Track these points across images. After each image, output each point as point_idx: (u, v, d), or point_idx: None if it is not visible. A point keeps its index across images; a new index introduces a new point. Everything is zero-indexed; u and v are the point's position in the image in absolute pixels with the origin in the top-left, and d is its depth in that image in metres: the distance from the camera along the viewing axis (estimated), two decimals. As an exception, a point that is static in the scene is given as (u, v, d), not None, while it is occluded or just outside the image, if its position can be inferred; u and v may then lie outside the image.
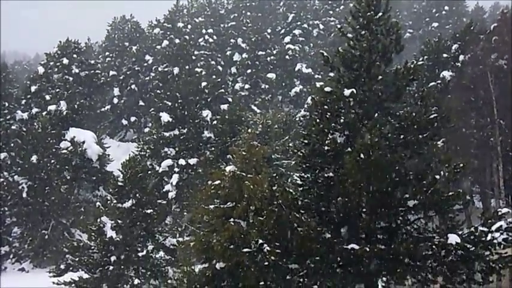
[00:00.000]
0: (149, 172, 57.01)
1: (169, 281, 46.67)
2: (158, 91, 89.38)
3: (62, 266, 50.86)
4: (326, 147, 24.91)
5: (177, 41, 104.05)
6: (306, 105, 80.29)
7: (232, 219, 32.66)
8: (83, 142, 73.26)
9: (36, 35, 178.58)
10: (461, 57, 53.02)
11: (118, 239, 49.21)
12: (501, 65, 47.05)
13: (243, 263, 30.22)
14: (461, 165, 23.95)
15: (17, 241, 67.64)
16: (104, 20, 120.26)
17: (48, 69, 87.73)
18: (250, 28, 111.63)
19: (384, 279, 24.77)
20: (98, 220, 50.46)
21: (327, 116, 25.41)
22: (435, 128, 24.98)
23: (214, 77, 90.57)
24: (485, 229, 22.64)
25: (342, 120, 25.33)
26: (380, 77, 25.03)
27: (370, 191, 22.90)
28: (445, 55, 56.70)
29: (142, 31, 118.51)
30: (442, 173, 23.27)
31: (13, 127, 75.81)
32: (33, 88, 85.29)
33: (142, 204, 50.81)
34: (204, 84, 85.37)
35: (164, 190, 66.91)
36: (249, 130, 57.62)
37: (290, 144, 52.85)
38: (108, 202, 52.50)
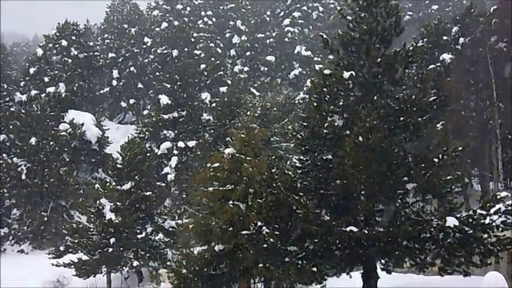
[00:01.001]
0: (148, 154, 56.97)
1: (168, 263, 46.82)
2: (157, 73, 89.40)
3: (61, 248, 50.96)
4: (325, 130, 24.92)
5: (176, 23, 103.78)
6: (305, 88, 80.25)
7: (231, 202, 32.70)
8: (82, 124, 73.30)
9: (35, 17, 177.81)
10: (461, 40, 52.88)
11: (117, 221, 49.31)
12: (501, 48, 46.93)
13: (242, 245, 30.29)
14: (460, 148, 23.95)
15: (16, 223, 67.79)
16: (103, 2, 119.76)
17: (47, 51, 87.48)
18: (250, 10, 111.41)
19: (383, 261, 24.85)
20: (97, 202, 50.56)
21: (326, 98, 25.40)
22: (434, 110, 24.98)
23: (213, 59, 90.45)
24: (484, 212, 22.67)
25: (341, 103, 25.32)
26: (379, 60, 24.98)
27: (368, 174, 22.90)
28: (444, 38, 56.53)
29: (141, 13, 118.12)
30: (440, 155, 23.26)
31: (12, 109, 75.68)
32: (31, 70, 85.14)
33: (141, 186, 50.89)
34: (203, 66, 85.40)
35: (163, 172, 67.01)
36: (248, 113, 57.69)
37: (289, 127, 52.82)
38: (107, 184, 52.57)
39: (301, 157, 26.39)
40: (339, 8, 31.24)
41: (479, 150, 46.70)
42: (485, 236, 22.77)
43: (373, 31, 25.43)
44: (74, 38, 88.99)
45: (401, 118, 24.59)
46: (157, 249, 50.82)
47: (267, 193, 24.84)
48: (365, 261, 24.43)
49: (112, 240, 49.01)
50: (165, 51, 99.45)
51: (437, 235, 22.79)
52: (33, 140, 67.52)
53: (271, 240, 23.56)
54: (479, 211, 22.75)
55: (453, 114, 40.92)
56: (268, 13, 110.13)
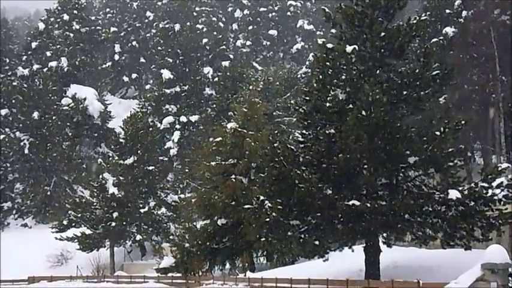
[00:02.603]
0: (150, 129, 57.04)
1: (171, 237, 47.10)
2: (159, 48, 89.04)
3: (65, 222, 51.25)
4: (327, 104, 24.86)
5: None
6: (307, 62, 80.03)
7: (233, 176, 32.84)
8: (85, 99, 73.29)
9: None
10: (464, 13, 52.53)
11: (120, 195, 49.55)
12: (504, 21, 46.67)
13: (244, 219, 30.44)
14: (463, 121, 23.91)
15: (19, 197, 68.09)
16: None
17: (49, 26, 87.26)
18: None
19: (384, 235, 24.92)
20: (100, 177, 50.77)
21: (329, 72, 25.32)
22: (437, 84, 24.91)
23: (215, 33, 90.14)
24: (486, 184, 22.67)
25: (343, 77, 25.24)
26: (382, 34, 24.86)
27: (371, 148, 22.89)
28: (447, 11, 56.23)
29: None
30: (443, 129, 23.23)
31: (14, 83, 75.65)
32: (33, 44, 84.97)
33: (144, 161, 51.06)
34: (205, 41, 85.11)
35: (166, 147, 67.11)
36: (251, 87, 57.60)
37: (291, 101, 52.55)
38: (110, 159, 52.79)
39: (304, 131, 26.34)
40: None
41: (482, 123, 46.63)
42: (487, 209, 22.80)
43: (376, 5, 25.29)
44: (75, 12, 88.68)
45: (404, 92, 24.53)
46: (160, 224, 51.12)
47: (269, 167, 24.82)
48: (367, 235, 24.48)
49: (115, 214, 49.28)
50: (167, 26, 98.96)
51: (439, 208, 22.81)
52: (35, 115, 67.57)
53: (274, 214, 23.59)
54: (481, 184, 22.76)
55: (456, 88, 40.78)
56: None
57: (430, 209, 22.85)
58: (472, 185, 23.09)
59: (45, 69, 78.71)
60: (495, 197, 22.59)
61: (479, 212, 22.65)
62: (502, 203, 22.77)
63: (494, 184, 22.58)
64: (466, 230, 22.78)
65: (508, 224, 23.67)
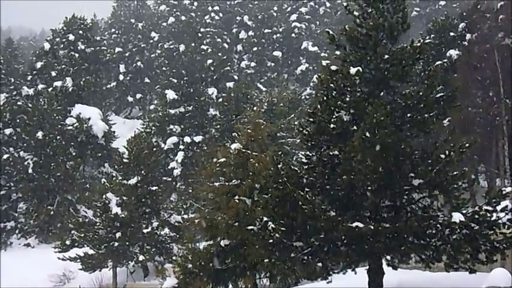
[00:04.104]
0: (154, 149, 57.10)
1: (173, 258, 46.95)
2: (164, 68, 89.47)
3: (68, 242, 51.15)
4: (332, 126, 24.85)
5: (183, 18, 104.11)
6: (311, 84, 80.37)
7: (237, 197, 32.76)
8: (89, 119, 73.40)
9: (42, 11, 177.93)
10: (468, 36, 52.70)
11: (123, 215, 49.49)
12: (507, 44, 46.83)
13: (247, 241, 30.36)
14: (467, 144, 23.88)
15: (22, 217, 68.05)
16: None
17: (54, 46, 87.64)
18: (257, 6, 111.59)
19: (388, 257, 24.83)
20: (103, 196, 50.73)
21: (333, 94, 25.33)
22: (441, 107, 24.90)
23: (220, 54, 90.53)
24: (490, 208, 22.61)
25: (347, 99, 25.24)
26: (386, 56, 24.90)
27: (375, 170, 22.85)
28: (451, 34, 56.42)
29: (149, 8, 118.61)
30: (447, 152, 23.21)
31: (19, 103, 75.90)
32: (39, 64, 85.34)
33: (147, 181, 51.04)
34: (209, 61, 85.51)
35: (169, 167, 67.15)
36: (255, 108, 57.66)
37: (295, 123, 52.83)
38: (114, 179, 52.77)
39: (308, 153, 26.31)
40: (345, 3, 31.18)
41: (486, 146, 46.60)
42: (492, 233, 22.73)
43: (380, 27, 25.35)
44: (81, 32, 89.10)
45: (408, 114, 24.53)
46: (163, 244, 50.99)
47: (272, 188, 24.78)
48: (370, 257, 24.41)
49: (118, 234, 49.18)
50: (172, 46, 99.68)
51: (443, 231, 22.74)
52: (40, 134, 67.69)
53: (277, 235, 23.52)
54: (485, 207, 22.68)
55: (460, 111, 40.79)
56: (275, 8, 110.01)
57: (434, 231, 22.80)
58: (477, 208, 23.02)
59: (49, 89, 78.99)
60: (499, 220, 22.54)
61: (484, 235, 22.57)
62: (506, 226, 22.73)
63: (498, 208, 22.52)
64: (470, 253, 22.70)
65: (512, 248, 23.60)
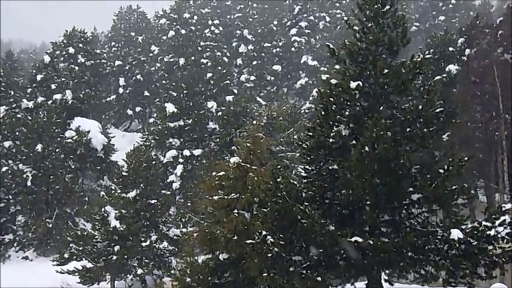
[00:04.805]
0: (154, 162, 57.03)
1: (172, 272, 46.83)
2: (164, 81, 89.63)
3: (66, 255, 50.97)
4: (331, 140, 24.89)
5: (183, 31, 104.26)
6: (311, 98, 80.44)
7: (236, 211, 32.72)
8: (88, 131, 73.35)
9: (42, 24, 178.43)
10: (467, 51, 52.85)
11: (122, 228, 49.35)
12: (507, 59, 46.95)
13: (246, 254, 30.28)
14: (466, 159, 23.89)
15: (21, 229, 67.82)
16: (111, 9, 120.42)
17: (54, 58, 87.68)
18: (257, 20, 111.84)
19: (387, 272, 24.79)
20: (102, 209, 50.60)
21: (333, 108, 25.37)
22: (440, 121, 24.94)
23: (219, 68, 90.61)
24: (489, 224, 22.60)
25: (347, 113, 25.29)
26: (386, 70, 24.96)
27: (374, 184, 22.87)
28: (451, 49, 56.63)
29: (149, 21, 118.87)
30: (446, 166, 23.21)
31: (18, 116, 75.90)
32: (39, 77, 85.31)
33: (146, 194, 50.93)
34: (209, 75, 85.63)
35: (168, 180, 67.09)
36: (254, 122, 57.65)
37: (295, 137, 52.92)
38: (113, 192, 52.67)
39: (307, 167, 26.34)
40: (345, 18, 31.27)
41: (485, 161, 46.64)
42: (491, 247, 22.70)
43: (380, 41, 25.44)
44: (81, 45, 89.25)
45: (408, 129, 24.56)
46: (162, 258, 50.82)
47: (271, 202, 24.78)
48: (369, 272, 24.37)
49: (116, 247, 49.03)
50: (171, 60, 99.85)
51: (442, 246, 22.72)
52: (39, 147, 67.62)
53: (276, 249, 23.50)
54: (484, 223, 22.68)
55: (459, 126, 40.89)
56: (275, 22, 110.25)
57: (433, 246, 22.77)
58: (476, 224, 23.01)
59: (49, 102, 78.92)
60: (498, 235, 22.51)
61: (483, 250, 22.55)
62: (505, 241, 22.69)
63: (497, 222, 22.51)
64: (469, 268, 22.66)
65: (511, 262, 23.55)
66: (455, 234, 22.14)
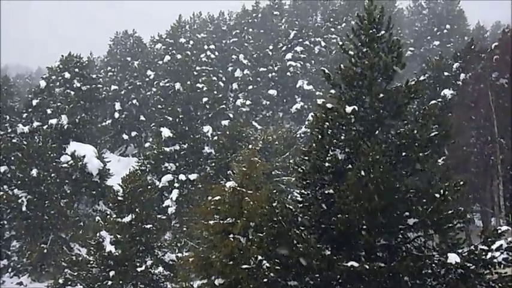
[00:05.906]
0: (149, 187, 56.90)
1: (167, 297, 46.59)
2: (159, 106, 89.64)
3: (61, 281, 50.68)
4: (327, 164, 24.90)
5: (179, 56, 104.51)
6: (306, 122, 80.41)
7: (231, 235, 32.61)
8: (84, 156, 73.18)
9: (38, 49, 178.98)
10: (462, 76, 53.08)
11: (117, 253, 49.09)
12: (502, 84, 47.15)
13: (242, 280, 30.14)
14: (462, 183, 23.89)
15: (15, 255, 67.40)
16: (106, 34, 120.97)
17: (50, 83, 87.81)
18: (252, 44, 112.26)
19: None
20: (97, 234, 50.35)
21: (328, 132, 25.41)
22: (436, 145, 24.98)
23: (215, 92, 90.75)
24: (486, 247, 22.57)
25: (342, 137, 25.33)
26: (381, 95, 25.03)
27: (370, 209, 22.84)
28: (446, 73, 56.84)
29: (145, 46, 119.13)
30: (442, 191, 23.21)
31: (14, 140, 75.76)
32: (34, 102, 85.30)
33: (141, 219, 50.72)
34: (205, 99, 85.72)
35: (164, 205, 66.89)
36: (250, 146, 57.69)
37: (290, 161, 52.88)
38: (108, 217, 52.42)
39: (303, 191, 26.32)
40: (340, 43, 31.38)
41: (481, 185, 46.67)
42: (487, 272, 22.65)
43: (375, 66, 25.53)
44: (77, 70, 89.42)
45: (403, 153, 24.59)
46: (157, 283, 50.51)
47: (267, 227, 24.73)
48: (366, 297, 24.27)
49: (112, 273, 48.74)
50: (167, 84, 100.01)
51: (438, 271, 22.67)
52: (34, 172, 67.41)
53: (272, 274, 23.41)
54: (480, 246, 22.65)
55: (455, 150, 40.95)
56: (271, 47, 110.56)
57: (430, 271, 22.71)
58: (472, 247, 22.97)
59: (45, 127, 78.89)
60: (495, 260, 22.47)
61: (479, 274, 22.49)
62: (501, 266, 22.64)
63: (493, 247, 22.46)
64: (465, 293, 22.59)
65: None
66: (453, 258, 22.09)
